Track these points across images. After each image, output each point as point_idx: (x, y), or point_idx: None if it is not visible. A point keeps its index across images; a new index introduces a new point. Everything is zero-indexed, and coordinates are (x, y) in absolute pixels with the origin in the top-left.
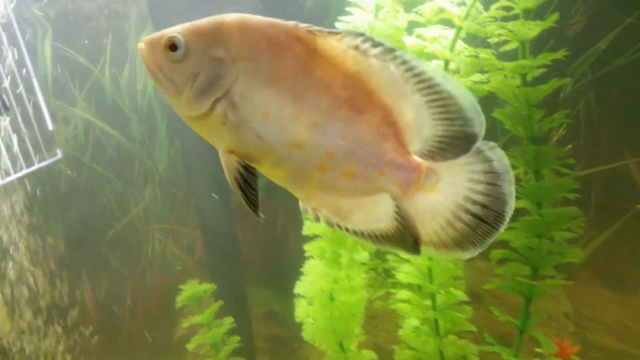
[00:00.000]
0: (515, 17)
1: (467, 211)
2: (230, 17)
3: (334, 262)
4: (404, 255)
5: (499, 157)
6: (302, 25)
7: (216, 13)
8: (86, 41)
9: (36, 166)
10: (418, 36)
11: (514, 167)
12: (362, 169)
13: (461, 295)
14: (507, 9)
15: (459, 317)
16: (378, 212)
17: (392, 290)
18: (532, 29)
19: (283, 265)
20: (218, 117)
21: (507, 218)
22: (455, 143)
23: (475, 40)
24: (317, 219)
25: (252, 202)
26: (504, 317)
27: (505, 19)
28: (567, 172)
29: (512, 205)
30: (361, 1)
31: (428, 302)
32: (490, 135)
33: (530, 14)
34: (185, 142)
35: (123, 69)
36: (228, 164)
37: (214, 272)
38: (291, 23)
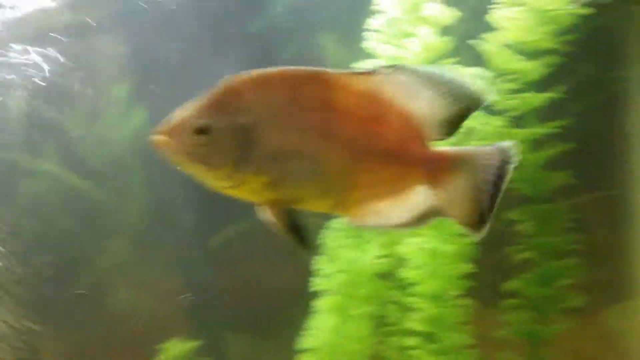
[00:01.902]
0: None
1: (483, 191)
2: (239, 81)
3: (344, 315)
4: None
5: (509, 145)
6: (307, 68)
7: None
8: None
9: None
10: None
11: (522, 222)
12: (395, 172)
13: (468, 339)
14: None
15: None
16: (415, 201)
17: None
18: (539, 99)
19: (259, 312)
20: (261, 178)
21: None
22: (467, 112)
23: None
24: (365, 227)
25: (306, 244)
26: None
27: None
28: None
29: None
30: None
31: (435, 347)
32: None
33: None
34: (163, 193)
35: (97, 121)
36: (277, 215)
37: (192, 322)
38: (294, 67)
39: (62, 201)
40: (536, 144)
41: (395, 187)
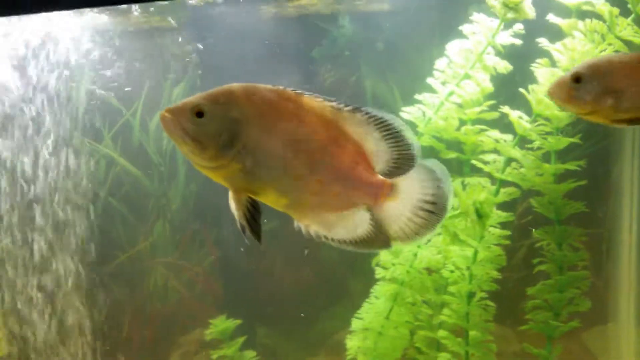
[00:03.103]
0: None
1: (422, 209)
2: (236, 86)
3: (398, 301)
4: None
5: (440, 169)
6: (289, 89)
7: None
8: (123, 87)
9: None
10: (466, 132)
11: (542, 240)
12: (344, 189)
13: (489, 336)
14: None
15: (488, 352)
16: (356, 221)
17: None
18: (562, 142)
19: (270, 301)
20: (237, 164)
21: (449, 209)
22: (405, 162)
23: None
24: (309, 234)
25: (257, 232)
26: (528, 348)
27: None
28: (579, 246)
29: (451, 199)
30: (426, 99)
31: (461, 340)
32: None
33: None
34: (202, 187)
35: (154, 115)
36: (239, 201)
37: (223, 306)
38: (280, 87)
39: (112, 184)
40: (557, 177)
41: (341, 202)
